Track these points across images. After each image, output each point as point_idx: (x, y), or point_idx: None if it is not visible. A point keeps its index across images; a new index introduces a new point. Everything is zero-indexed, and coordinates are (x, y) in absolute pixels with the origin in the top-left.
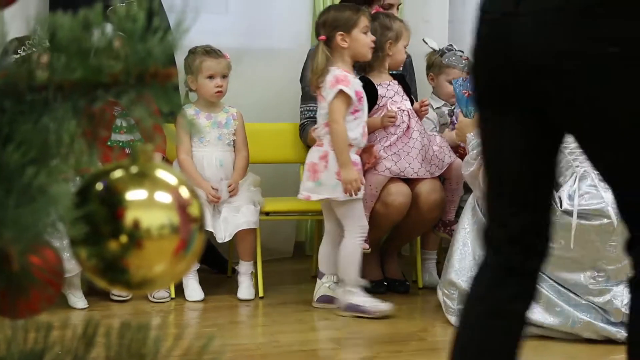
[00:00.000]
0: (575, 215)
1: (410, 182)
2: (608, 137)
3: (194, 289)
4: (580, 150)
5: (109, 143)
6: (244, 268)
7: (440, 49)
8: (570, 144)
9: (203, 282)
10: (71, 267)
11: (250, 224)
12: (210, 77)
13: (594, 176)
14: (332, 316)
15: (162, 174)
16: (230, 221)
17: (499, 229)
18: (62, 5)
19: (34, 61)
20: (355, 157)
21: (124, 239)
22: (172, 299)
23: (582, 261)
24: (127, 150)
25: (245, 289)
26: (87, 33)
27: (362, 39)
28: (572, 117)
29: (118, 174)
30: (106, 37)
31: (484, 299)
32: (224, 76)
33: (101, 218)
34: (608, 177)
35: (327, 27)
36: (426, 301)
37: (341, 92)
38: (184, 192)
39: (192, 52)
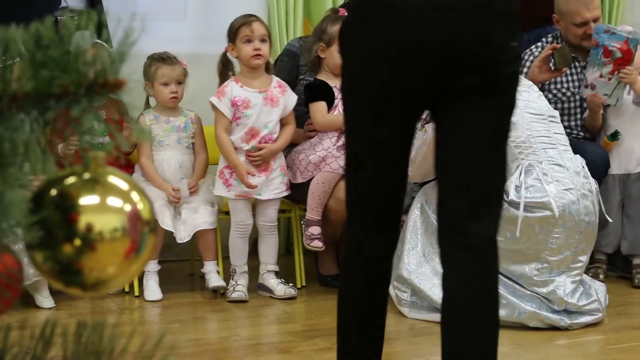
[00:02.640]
0: (522, 207)
1: None
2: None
3: (153, 290)
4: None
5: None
6: (209, 267)
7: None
8: (516, 138)
9: (165, 280)
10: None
11: (208, 224)
12: (165, 83)
13: (538, 169)
14: (292, 310)
15: (113, 179)
16: (189, 222)
17: None
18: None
19: None
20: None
21: (77, 242)
22: (136, 296)
23: (527, 253)
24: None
25: (214, 278)
26: (39, 46)
27: (242, 49)
28: None
29: (71, 180)
30: (57, 50)
31: None
32: (179, 82)
33: (55, 223)
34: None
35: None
36: None
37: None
38: (135, 197)
39: (149, 58)
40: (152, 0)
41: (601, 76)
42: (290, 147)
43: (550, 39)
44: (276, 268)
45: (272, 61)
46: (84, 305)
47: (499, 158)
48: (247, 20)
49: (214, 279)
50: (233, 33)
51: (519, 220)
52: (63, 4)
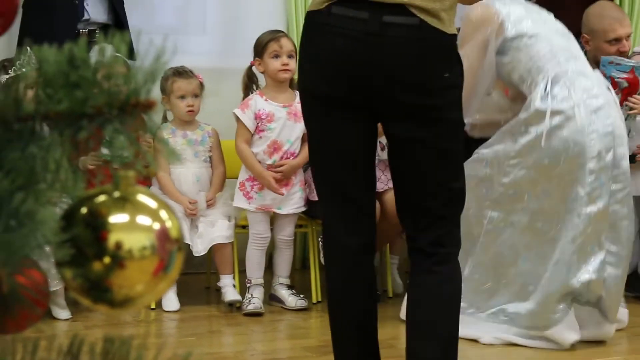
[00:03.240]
0: (548, 115)
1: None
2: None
3: (171, 300)
4: None
5: (101, 157)
6: (225, 281)
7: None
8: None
9: (181, 293)
10: (55, 282)
11: (224, 238)
12: (182, 97)
13: (565, 78)
14: (307, 325)
15: (143, 198)
16: (205, 235)
17: None
18: (32, 34)
19: (21, 92)
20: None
21: (107, 260)
22: (152, 309)
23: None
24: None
25: (231, 292)
26: (72, 66)
27: (270, 63)
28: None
29: (101, 198)
30: (90, 70)
31: None
32: (196, 95)
33: (86, 240)
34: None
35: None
36: (396, 309)
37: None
38: (164, 215)
39: (166, 72)
40: (172, 14)
41: None
42: (309, 163)
43: None
44: (288, 281)
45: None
46: (100, 317)
47: (441, 180)
48: (275, 35)
49: (230, 293)
50: (261, 48)
51: (544, 132)
52: (85, 17)
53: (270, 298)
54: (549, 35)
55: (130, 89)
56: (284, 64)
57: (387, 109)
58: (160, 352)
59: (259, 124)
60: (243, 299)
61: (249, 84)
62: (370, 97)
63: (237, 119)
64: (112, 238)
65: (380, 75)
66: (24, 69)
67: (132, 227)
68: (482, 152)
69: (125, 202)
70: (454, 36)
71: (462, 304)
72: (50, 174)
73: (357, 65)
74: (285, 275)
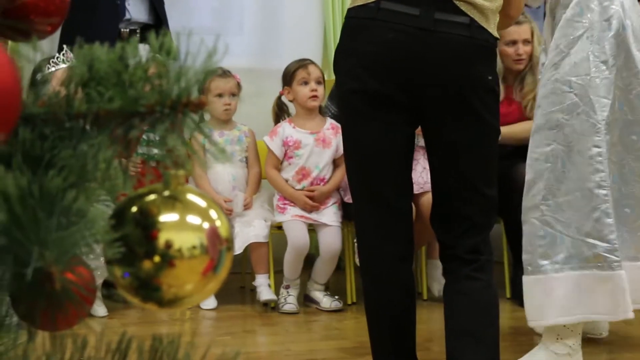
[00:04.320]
0: None
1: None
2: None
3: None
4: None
5: (136, 155)
6: (260, 281)
7: None
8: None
9: (217, 293)
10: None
11: (259, 237)
12: (219, 95)
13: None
14: (342, 326)
15: (192, 197)
16: (241, 235)
17: None
18: (74, 34)
19: (72, 91)
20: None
21: (157, 259)
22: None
23: None
24: (152, 164)
25: (266, 292)
26: (124, 65)
27: (299, 91)
28: None
29: (151, 197)
30: (142, 69)
31: None
32: (233, 95)
33: (136, 239)
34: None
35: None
36: (431, 312)
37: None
38: (213, 215)
39: None
40: (210, 15)
41: None
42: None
43: None
44: (322, 287)
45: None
46: (135, 314)
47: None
48: (302, 63)
49: (265, 293)
50: (289, 76)
51: None
52: (127, 16)
53: (305, 299)
54: None
55: (181, 88)
56: (312, 90)
57: (430, 108)
58: (208, 351)
59: (287, 151)
60: (278, 299)
61: (279, 113)
62: (415, 95)
63: (267, 145)
64: (162, 237)
65: (428, 71)
66: (57, 67)
67: (182, 226)
68: None
69: (175, 201)
70: (497, 40)
71: None
72: (101, 172)
73: (407, 60)
74: (323, 281)
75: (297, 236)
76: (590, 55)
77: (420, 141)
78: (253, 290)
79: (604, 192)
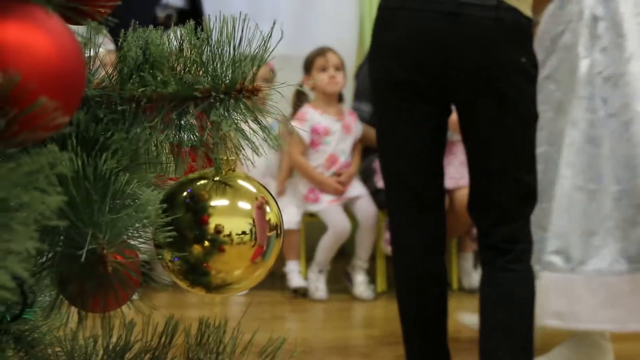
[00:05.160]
0: None
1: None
2: None
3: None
4: None
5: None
6: (291, 267)
7: None
8: None
9: None
10: None
11: (292, 224)
12: None
13: None
14: (372, 314)
15: (243, 183)
16: None
17: None
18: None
19: (125, 73)
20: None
21: (206, 244)
22: None
23: None
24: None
25: (296, 278)
26: (179, 49)
27: (318, 77)
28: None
29: (202, 182)
30: (197, 52)
31: None
32: (267, 81)
33: (186, 224)
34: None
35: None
36: (460, 302)
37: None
38: (264, 201)
39: None
40: (246, 1)
41: None
42: (374, 152)
43: None
44: (366, 266)
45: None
46: (164, 297)
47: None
48: (321, 51)
49: (296, 279)
50: (309, 64)
51: None
52: (164, 1)
53: (345, 275)
54: None
55: (235, 74)
56: (331, 77)
57: (459, 94)
58: (254, 336)
59: (315, 138)
60: (308, 285)
61: (297, 102)
62: (443, 82)
63: (293, 131)
64: (213, 222)
65: (453, 56)
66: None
67: (233, 211)
68: None
69: (226, 187)
70: (531, 21)
71: None
72: (153, 156)
73: (432, 46)
74: (366, 256)
75: (338, 220)
76: (573, 51)
77: (455, 135)
78: (283, 276)
79: None
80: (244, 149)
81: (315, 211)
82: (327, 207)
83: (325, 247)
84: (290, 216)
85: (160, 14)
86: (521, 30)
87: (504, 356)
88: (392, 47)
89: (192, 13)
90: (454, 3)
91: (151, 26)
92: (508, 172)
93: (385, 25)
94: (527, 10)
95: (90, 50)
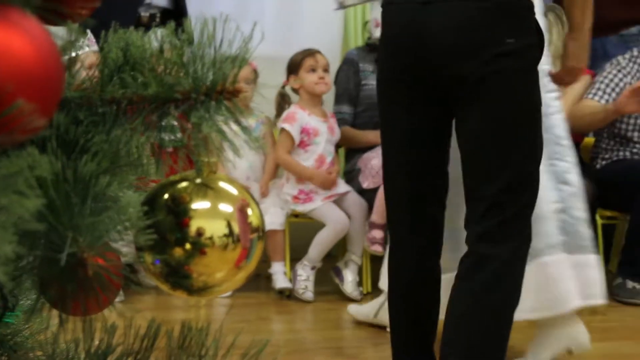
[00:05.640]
0: None
1: None
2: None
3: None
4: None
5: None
6: (276, 268)
7: None
8: None
9: None
10: None
11: (276, 224)
12: None
13: None
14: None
15: (224, 185)
16: None
17: None
18: (93, 17)
19: (106, 75)
20: None
21: (188, 246)
22: None
23: None
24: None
25: (282, 280)
26: (160, 50)
27: (307, 77)
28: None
29: (183, 184)
30: (178, 54)
31: None
32: (248, 83)
33: (168, 226)
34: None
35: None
36: None
37: (283, 129)
38: (245, 203)
39: None
40: (230, 1)
41: None
42: (361, 152)
43: (635, 53)
44: (360, 262)
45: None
46: (150, 300)
47: (507, 154)
48: (310, 52)
49: (281, 280)
50: (296, 65)
51: None
52: (147, 0)
53: (334, 269)
54: None
55: (216, 75)
56: (320, 77)
57: (444, 85)
58: (236, 338)
59: (305, 139)
60: (295, 283)
61: (282, 103)
62: (434, 75)
63: (282, 131)
64: (194, 225)
65: (431, 46)
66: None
67: (214, 214)
68: None
69: (207, 189)
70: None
71: None
72: (133, 158)
73: (412, 38)
74: (360, 251)
75: (336, 215)
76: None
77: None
78: (268, 277)
79: None
80: (226, 151)
81: (309, 211)
82: (322, 205)
83: (323, 243)
84: (275, 217)
85: (144, 13)
86: (504, 8)
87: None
88: (384, 43)
89: (176, 13)
90: None
91: (132, 27)
92: (492, 171)
93: (382, 22)
94: None
95: (69, 52)
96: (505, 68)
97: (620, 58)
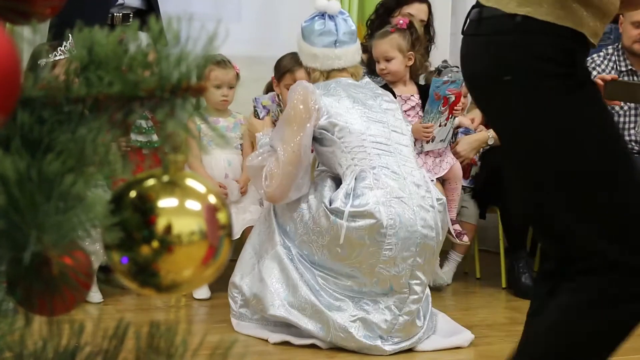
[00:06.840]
0: (346, 215)
1: None
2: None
3: (201, 287)
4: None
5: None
6: None
7: (436, 68)
8: (349, 142)
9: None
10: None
11: (255, 221)
12: (218, 86)
13: (370, 176)
14: None
15: (192, 183)
16: (237, 220)
17: None
18: (65, 17)
19: (71, 74)
20: None
21: (155, 244)
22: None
23: (361, 267)
24: (145, 151)
25: None
26: (124, 49)
27: (285, 93)
28: None
29: (150, 182)
30: (142, 52)
31: None
32: (231, 87)
33: (134, 224)
34: None
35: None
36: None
37: None
38: (213, 201)
39: None
40: (208, 1)
41: (440, 125)
42: None
43: (610, 51)
44: None
45: None
46: (130, 301)
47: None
48: (291, 67)
49: None
50: (280, 75)
51: (343, 230)
52: (120, 1)
53: None
54: (365, 125)
55: (181, 73)
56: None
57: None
58: (205, 338)
59: None
60: None
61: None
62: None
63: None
64: (161, 222)
65: (467, 82)
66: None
67: (181, 211)
68: None
69: (174, 187)
70: (523, 19)
71: None
72: (99, 157)
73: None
74: None
75: None
76: None
77: (426, 146)
78: None
79: None
80: (197, 149)
81: None
82: None
83: None
84: (254, 214)
85: (117, 14)
86: (504, 34)
87: None
88: None
89: (149, 13)
90: (473, 23)
91: (97, 26)
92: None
93: None
94: (518, 8)
95: (46, 55)
96: (508, 101)
97: (595, 56)
